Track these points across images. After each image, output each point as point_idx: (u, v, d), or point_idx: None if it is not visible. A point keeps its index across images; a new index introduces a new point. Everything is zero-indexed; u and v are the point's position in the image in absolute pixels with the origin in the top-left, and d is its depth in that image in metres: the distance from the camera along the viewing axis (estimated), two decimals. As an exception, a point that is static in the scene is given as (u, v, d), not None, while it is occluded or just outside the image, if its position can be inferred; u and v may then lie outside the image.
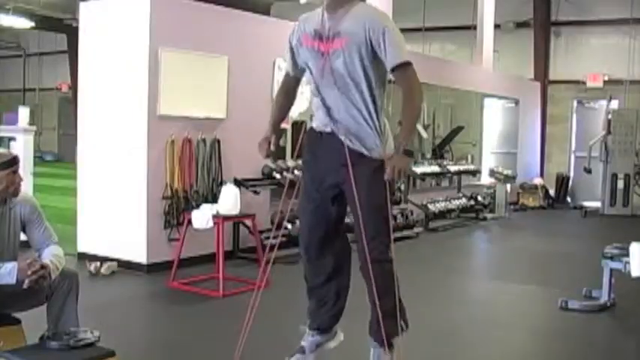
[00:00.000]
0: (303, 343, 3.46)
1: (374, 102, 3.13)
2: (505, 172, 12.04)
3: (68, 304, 3.35)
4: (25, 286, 3.15)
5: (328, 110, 3.17)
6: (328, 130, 3.20)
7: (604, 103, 13.30)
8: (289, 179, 7.50)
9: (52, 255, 3.35)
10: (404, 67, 3.04)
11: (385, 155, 3.11)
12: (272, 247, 3.43)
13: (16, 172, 3.42)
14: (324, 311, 3.40)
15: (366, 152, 3.13)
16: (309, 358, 3.44)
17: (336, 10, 3.07)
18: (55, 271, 3.27)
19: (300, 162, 8.02)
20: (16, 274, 3.17)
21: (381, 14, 3.14)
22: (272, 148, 3.26)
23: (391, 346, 3.25)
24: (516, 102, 13.94)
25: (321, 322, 3.43)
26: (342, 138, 3.14)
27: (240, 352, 3.29)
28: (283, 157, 8.07)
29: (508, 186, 12.07)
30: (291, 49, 3.31)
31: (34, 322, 3.49)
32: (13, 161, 3.42)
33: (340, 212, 3.32)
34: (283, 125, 8.00)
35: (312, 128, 3.33)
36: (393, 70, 3.06)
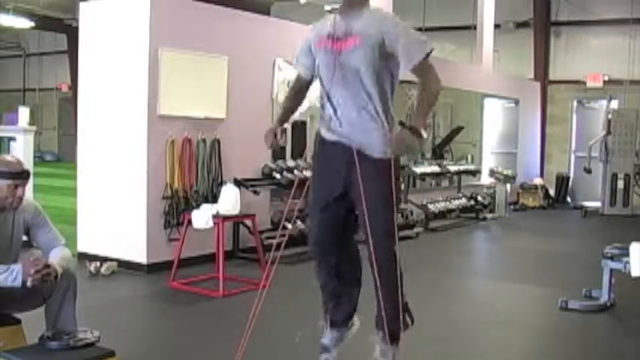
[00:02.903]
0: (324, 341, 3.47)
1: (384, 101, 3.15)
2: (505, 172, 12.04)
3: (65, 306, 3.34)
4: (28, 284, 3.14)
5: (336, 114, 3.18)
6: (335, 138, 3.21)
7: (604, 103, 13.30)
8: (290, 179, 7.54)
9: (61, 258, 3.34)
10: (421, 63, 3.05)
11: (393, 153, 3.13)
12: (275, 247, 3.44)
13: (18, 186, 3.28)
14: (339, 308, 3.43)
15: (374, 155, 3.13)
16: (333, 353, 3.48)
17: (348, 11, 3.12)
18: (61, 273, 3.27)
19: (299, 162, 8.07)
20: (21, 276, 3.16)
21: (393, 16, 3.20)
22: (278, 139, 3.27)
23: (397, 341, 3.27)
24: (516, 102, 13.94)
25: (337, 318, 3.46)
26: (348, 144, 3.15)
27: (242, 351, 3.29)
28: (283, 157, 8.07)
29: (508, 186, 12.08)
30: (309, 50, 3.31)
31: (34, 322, 3.49)
32: (19, 175, 3.29)
33: (350, 216, 3.32)
34: (284, 125, 8.06)
35: (319, 135, 3.33)
36: (412, 68, 3.09)
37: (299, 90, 3.51)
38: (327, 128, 3.25)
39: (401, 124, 5.94)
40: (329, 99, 3.20)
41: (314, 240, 3.35)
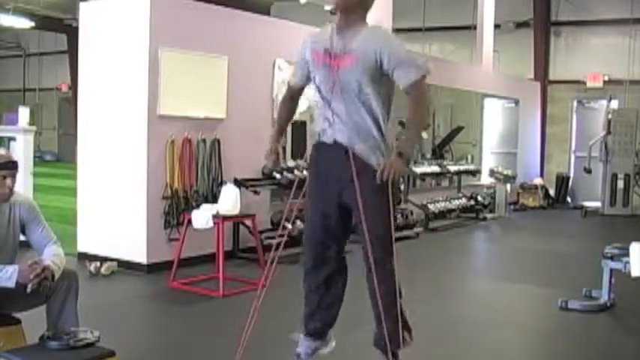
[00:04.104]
0: (298, 350, 3.49)
1: (381, 118, 3.18)
2: (505, 172, 12.04)
3: (68, 304, 3.35)
4: (28, 290, 3.15)
5: (335, 121, 3.18)
6: (332, 140, 3.21)
7: (604, 103, 13.30)
8: (290, 179, 7.55)
9: (53, 255, 3.34)
10: (415, 83, 3.07)
11: None
12: (273, 247, 3.45)
13: (6, 177, 3.31)
14: (319, 317, 3.46)
15: (370, 163, 3.13)
16: None
17: (346, 29, 3.12)
18: (57, 272, 3.27)
19: (299, 162, 8.06)
20: (17, 278, 3.17)
21: (389, 35, 3.19)
22: (280, 159, 3.33)
23: (396, 357, 3.27)
24: (516, 102, 13.94)
25: (315, 327, 3.47)
26: (347, 146, 3.15)
27: (241, 352, 3.29)
28: (283, 157, 8.07)
29: (508, 186, 12.07)
30: (303, 61, 3.34)
31: (34, 322, 3.49)
32: (4, 166, 3.32)
33: (347, 221, 3.31)
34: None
35: (318, 141, 3.34)
36: (406, 87, 3.10)
37: (293, 98, 3.52)
38: (326, 136, 3.26)
39: (401, 124, 5.98)
40: (329, 111, 3.19)
41: (309, 236, 3.35)
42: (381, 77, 3.11)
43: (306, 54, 3.31)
